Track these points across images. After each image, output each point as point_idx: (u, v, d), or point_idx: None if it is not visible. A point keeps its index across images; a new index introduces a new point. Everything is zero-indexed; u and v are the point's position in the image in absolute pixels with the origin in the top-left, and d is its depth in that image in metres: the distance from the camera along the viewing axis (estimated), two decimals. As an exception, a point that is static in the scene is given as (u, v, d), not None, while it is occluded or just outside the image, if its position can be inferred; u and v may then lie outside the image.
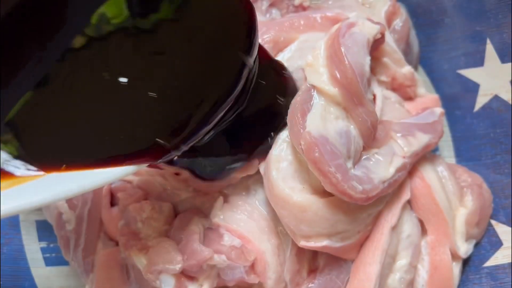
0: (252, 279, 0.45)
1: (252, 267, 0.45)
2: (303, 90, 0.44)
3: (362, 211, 0.43)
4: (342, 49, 0.43)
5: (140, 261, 0.44)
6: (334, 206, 0.42)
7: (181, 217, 0.46)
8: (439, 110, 0.49)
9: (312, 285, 0.45)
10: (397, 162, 0.44)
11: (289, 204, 0.42)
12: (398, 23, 0.52)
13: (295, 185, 0.43)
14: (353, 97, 0.43)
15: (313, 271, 0.46)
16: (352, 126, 0.43)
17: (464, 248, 0.47)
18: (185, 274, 0.45)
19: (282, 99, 0.45)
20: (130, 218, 0.46)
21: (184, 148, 0.35)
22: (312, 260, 0.46)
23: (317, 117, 0.42)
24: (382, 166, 0.44)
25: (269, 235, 0.45)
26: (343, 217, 0.42)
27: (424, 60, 0.56)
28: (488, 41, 0.50)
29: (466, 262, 0.48)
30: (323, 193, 0.43)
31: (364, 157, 0.44)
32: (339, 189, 0.40)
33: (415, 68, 0.55)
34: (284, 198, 0.42)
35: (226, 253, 0.44)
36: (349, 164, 0.42)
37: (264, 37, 0.47)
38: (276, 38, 0.48)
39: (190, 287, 0.45)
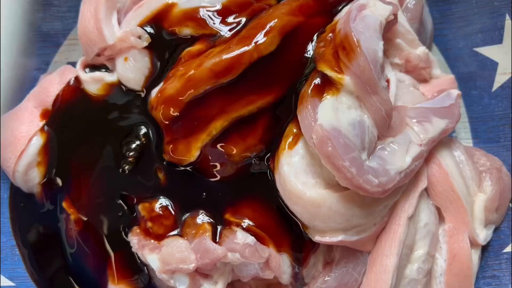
0: (267, 274, 0.44)
1: (267, 263, 0.44)
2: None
3: (378, 204, 0.43)
4: (353, 35, 0.41)
5: (153, 261, 0.44)
6: (349, 200, 0.41)
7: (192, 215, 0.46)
8: (455, 92, 0.47)
9: (329, 278, 0.45)
10: (414, 150, 0.43)
11: (302, 199, 0.42)
12: (410, 1, 0.50)
13: (308, 179, 0.42)
14: (366, 86, 0.41)
15: (328, 263, 0.46)
16: (365, 115, 0.41)
17: (483, 235, 0.46)
18: (199, 272, 0.45)
19: None
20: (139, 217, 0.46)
21: None
22: (328, 253, 0.46)
23: (329, 109, 0.40)
24: (398, 156, 0.42)
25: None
26: (359, 211, 0.42)
27: (438, 38, 0.54)
28: (507, 17, 0.48)
29: (485, 248, 0.48)
30: (337, 187, 0.42)
31: (379, 147, 0.43)
32: (354, 183, 0.39)
33: (429, 47, 0.53)
34: (297, 193, 0.42)
35: (240, 251, 0.43)
36: (364, 156, 0.41)
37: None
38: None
39: (205, 284, 0.45)
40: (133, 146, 0.47)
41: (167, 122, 0.44)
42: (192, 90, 0.43)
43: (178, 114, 0.44)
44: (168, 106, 0.44)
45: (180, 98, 0.43)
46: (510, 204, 0.48)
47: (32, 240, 0.49)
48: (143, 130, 0.47)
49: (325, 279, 0.45)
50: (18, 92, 0.51)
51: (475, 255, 0.46)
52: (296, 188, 0.42)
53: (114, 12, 0.49)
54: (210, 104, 0.43)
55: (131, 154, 0.47)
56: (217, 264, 0.44)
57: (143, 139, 0.47)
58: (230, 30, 0.46)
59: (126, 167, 0.46)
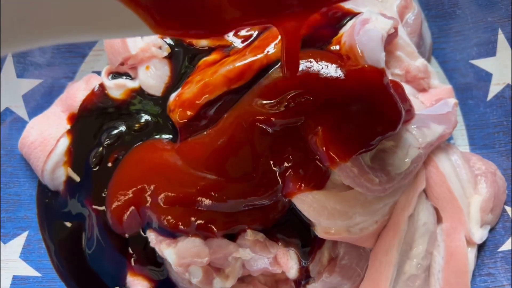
0: (276, 269, 0.46)
1: (276, 258, 0.47)
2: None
3: (379, 202, 0.45)
4: (358, 47, 0.44)
5: (170, 255, 0.46)
6: (352, 199, 0.44)
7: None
8: (452, 101, 0.50)
9: (333, 272, 0.47)
10: (413, 153, 0.45)
11: (308, 198, 0.44)
12: (410, 16, 0.53)
13: (314, 179, 0.45)
14: (369, 93, 0.44)
15: (333, 259, 0.48)
16: (368, 120, 0.44)
17: (479, 234, 0.48)
18: (212, 266, 0.47)
19: None
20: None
21: None
22: (332, 249, 0.48)
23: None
24: (398, 158, 0.45)
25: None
26: (361, 209, 0.44)
27: (436, 51, 0.57)
28: (500, 31, 0.51)
29: (481, 247, 0.49)
30: (341, 187, 0.45)
31: (381, 150, 0.45)
32: (356, 182, 0.42)
33: (428, 59, 0.55)
34: (303, 193, 0.44)
35: (250, 247, 0.46)
36: (366, 158, 0.43)
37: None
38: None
39: (217, 278, 0.47)
40: None
41: (182, 122, 0.47)
42: (208, 95, 0.46)
43: (193, 115, 0.47)
44: (184, 109, 0.47)
45: (196, 101, 0.46)
46: (505, 206, 0.50)
47: (57, 234, 0.52)
48: (160, 130, 0.50)
49: (330, 273, 0.47)
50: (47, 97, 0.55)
51: (471, 254, 0.48)
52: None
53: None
54: (222, 107, 0.46)
55: None
56: (229, 258, 0.46)
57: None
58: (242, 41, 0.50)
59: None
